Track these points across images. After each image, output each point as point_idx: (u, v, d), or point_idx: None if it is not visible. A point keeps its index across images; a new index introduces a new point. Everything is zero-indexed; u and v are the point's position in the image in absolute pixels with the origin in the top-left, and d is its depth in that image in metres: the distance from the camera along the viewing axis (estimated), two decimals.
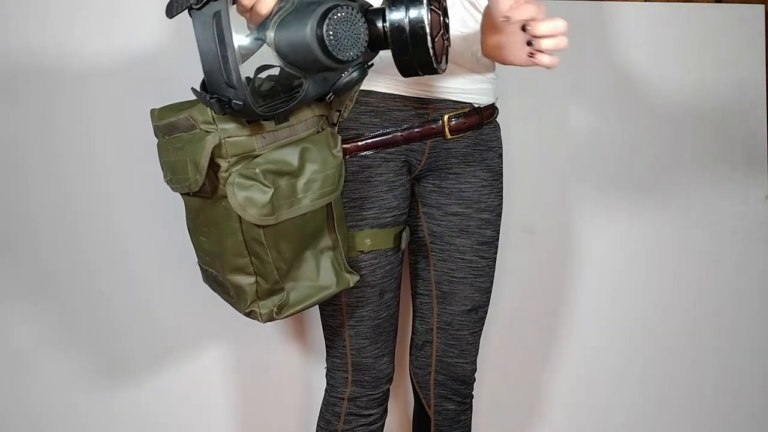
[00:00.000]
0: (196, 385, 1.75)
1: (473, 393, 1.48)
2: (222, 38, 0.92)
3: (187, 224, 1.24)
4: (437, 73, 1.01)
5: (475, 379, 1.46)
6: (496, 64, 1.36)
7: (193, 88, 1.00)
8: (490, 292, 1.42)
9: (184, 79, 1.61)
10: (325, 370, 1.41)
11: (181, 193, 1.20)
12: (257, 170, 1.06)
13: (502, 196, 1.40)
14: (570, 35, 1.83)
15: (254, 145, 1.07)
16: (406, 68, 1.00)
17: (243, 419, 1.78)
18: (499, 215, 1.40)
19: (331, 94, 1.04)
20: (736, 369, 1.97)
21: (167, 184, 1.20)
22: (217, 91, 0.95)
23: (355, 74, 1.03)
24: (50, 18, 1.62)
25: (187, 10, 0.94)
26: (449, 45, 1.05)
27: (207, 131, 1.06)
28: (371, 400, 1.38)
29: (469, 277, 1.37)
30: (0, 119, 1.62)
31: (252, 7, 0.98)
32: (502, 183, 1.40)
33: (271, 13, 0.98)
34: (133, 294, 1.70)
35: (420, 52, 0.97)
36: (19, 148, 1.63)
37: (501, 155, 1.40)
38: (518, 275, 1.85)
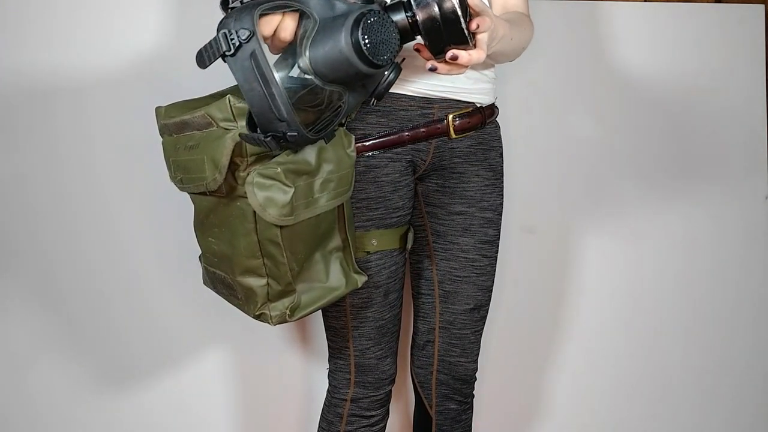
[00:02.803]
0: (196, 385, 1.75)
1: (474, 392, 1.47)
2: (264, 77, 0.92)
3: (195, 225, 1.23)
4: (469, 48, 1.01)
5: (476, 379, 1.46)
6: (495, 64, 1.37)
7: (242, 135, 1.00)
8: (492, 290, 1.42)
9: (184, 78, 1.62)
10: (327, 371, 1.41)
11: (190, 193, 1.19)
12: (279, 170, 1.05)
13: (503, 195, 1.41)
14: (570, 35, 1.85)
15: None
16: (440, 51, 1.00)
17: (244, 420, 1.77)
18: (501, 214, 1.40)
19: (373, 100, 1.05)
20: (737, 369, 1.98)
21: (175, 183, 1.19)
22: (270, 128, 0.95)
23: (392, 76, 1.04)
24: (50, 17, 1.61)
25: (221, 58, 0.95)
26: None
27: (227, 129, 1.05)
28: (374, 401, 1.37)
29: (471, 276, 1.37)
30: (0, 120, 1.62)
31: (273, 35, 0.98)
32: (503, 182, 1.41)
33: (295, 39, 0.98)
34: (133, 296, 1.69)
35: (454, 34, 0.98)
36: (19, 148, 1.62)
37: (501, 154, 1.41)
38: (518, 275, 1.85)
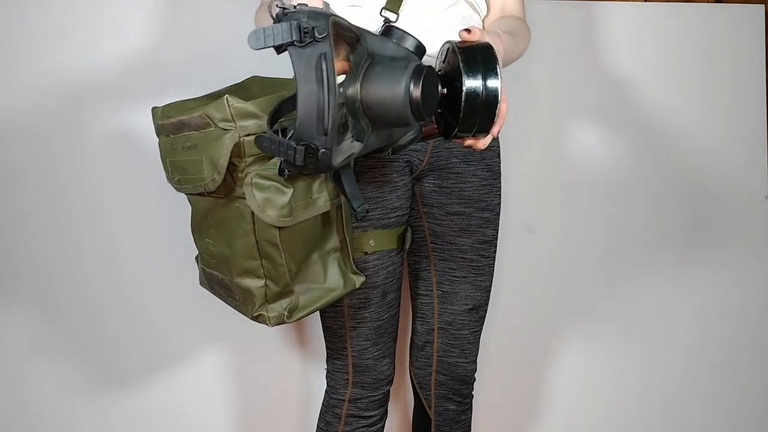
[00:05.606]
0: (195, 386, 1.75)
1: (473, 393, 1.47)
2: (327, 81, 0.87)
3: (192, 226, 1.23)
4: (485, 135, 1.04)
5: (475, 379, 1.46)
6: None
7: (261, 137, 0.93)
8: (490, 290, 1.42)
9: (181, 78, 1.62)
10: (325, 371, 1.41)
11: (188, 194, 1.18)
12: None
13: (500, 195, 1.41)
14: (569, 35, 1.85)
15: None
16: (464, 131, 1.02)
17: (242, 421, 1.77)
18: (498, 214, 1.40)
19: (389, 150, 1.05)
20: (738, 368, 1.98)
21: (172, 184, 1.19)
22: (305, 137, 0.89)
23: (413, 134, 1.05)
24: (46, 18, 1.61)
25: (278, 47, 0.89)
26: None
27: (225, 129, 1.05)
28: (372, 402, 1.37)
29: (470, 276, 1.37)
30: None
31: None
32: (500, 182, 1.41)
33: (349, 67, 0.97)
34: (130, 297, 1.69)
35: (486, 117, 1.00)
36: (16, 150, 1.62)
37: (499, 154, 1.41)
38: (517, 275, 1.84)
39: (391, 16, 1.19)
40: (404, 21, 1.19)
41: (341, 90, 0.94)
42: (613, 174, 1.88)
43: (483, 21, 1.32)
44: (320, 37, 0.87)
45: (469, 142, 1.06)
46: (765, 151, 1.93)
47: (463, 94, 0.98)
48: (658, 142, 1.89)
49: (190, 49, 1.65)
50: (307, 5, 0.89)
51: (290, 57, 0.87)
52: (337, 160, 0.94)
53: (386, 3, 1.20)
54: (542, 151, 1.85)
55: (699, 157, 1.90)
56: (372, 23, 1.15)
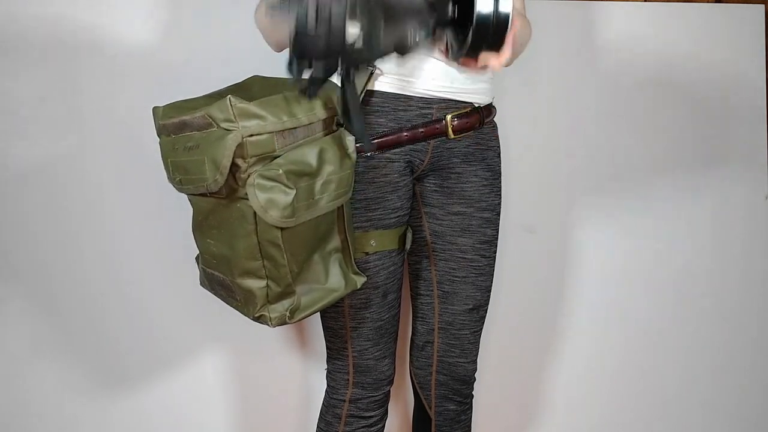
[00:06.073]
0: (195, 387, 1.74)
1: (473, 393, 1.47)
2: None
3: (193, 226, 1.23)
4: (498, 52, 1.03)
5: (475, 379, 1.46)
6: None
7: (272, 5, 0.95)
8: (491, 291, 1.42)
9: (181, 78, 1.62)
10: (326, 371, 1.41)
11: (189, 194, 1.18)
12: (280, 171, 1.05)
13: (501, 195, 1.41)
14: (569, 35, 1.85)
15: (274, 145, 1.06)
16: (476, 47, 1.02)
17: (242, 421, 1.77)
18: (499, 214, 1.40)
19: (404, 52, 1.02)
20: (738, 369, 1.98)
21: (173, 184, 1.18)
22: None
23: (422, 36, 1.02)
24: (45, 16, 1.60)
25: None
26: None
27: (227, 129, 1.05)
28: (372, 402, 1.37)
29: (470, 276, 1.37)
30: None
31: None
32: (500, 182, 1.41)
33: None
34: (130, 298, 1.69)
35: (499, 31, 0.99)
36: (16, 150, 1.62)
37: (499, 154, 1.41)
38: (518, 275, 1.84)
39: None
40: None
41: None
42: (613, 174, 1.88)
43: None
44: None
45: (483, 60, 1.04)
46: (765, 151, 1.93)
47: (475, 14, 0.98)
48: (659, 143, 1.89)
49: (190, 49, 1.65)
50: None
51: None
52: (350, 30, 0.92)
53: None
54: (542, 151, 1.85)
55: (699, 157, 1.90)
56: None
